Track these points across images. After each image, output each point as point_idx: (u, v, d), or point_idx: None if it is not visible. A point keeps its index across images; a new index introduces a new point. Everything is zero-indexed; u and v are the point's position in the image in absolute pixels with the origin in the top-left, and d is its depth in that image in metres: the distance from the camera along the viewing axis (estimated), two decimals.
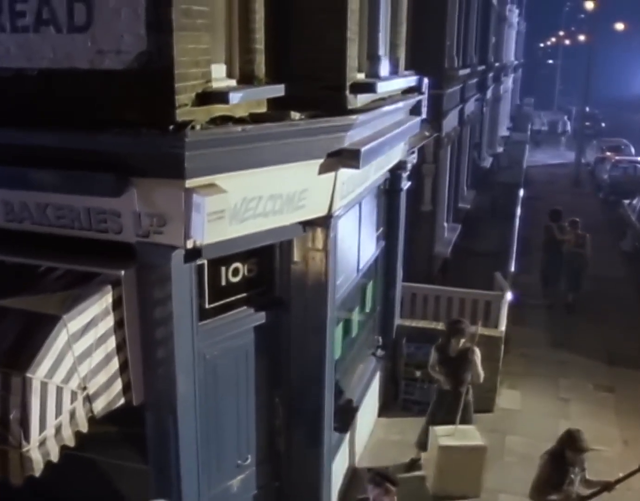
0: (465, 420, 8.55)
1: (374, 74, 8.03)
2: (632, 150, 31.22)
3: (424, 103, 9.40)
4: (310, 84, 6.80)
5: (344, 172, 6.44)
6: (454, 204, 17.70)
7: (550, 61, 75.15)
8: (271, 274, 6.67)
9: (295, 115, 5.84)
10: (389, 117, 7.74)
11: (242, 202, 5.58)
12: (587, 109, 36.78)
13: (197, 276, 5.87)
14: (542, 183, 27.61)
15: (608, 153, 31.01)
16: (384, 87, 7.42)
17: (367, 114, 6.46)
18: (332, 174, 6.25)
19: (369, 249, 9.00)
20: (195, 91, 5.31)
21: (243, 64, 6.36)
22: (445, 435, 8.41)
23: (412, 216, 12.02)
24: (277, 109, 6.39)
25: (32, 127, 5.24)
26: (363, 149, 6.15)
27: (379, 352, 10.07)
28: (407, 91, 9.00)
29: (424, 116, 9.49)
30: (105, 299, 5.27)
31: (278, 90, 6.33)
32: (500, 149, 30.64)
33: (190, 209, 5.08)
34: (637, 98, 63.87)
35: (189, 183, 5.07)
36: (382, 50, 8.22)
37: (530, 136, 37.51)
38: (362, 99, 7.20)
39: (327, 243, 6.54)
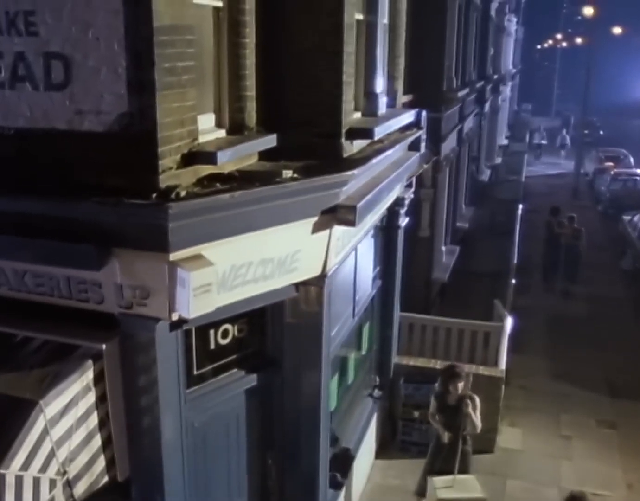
0: (463, 469, 8.23)
1: (371, 112, 7.72)
2: (632, 160, 30.92)
3: (423, 137, 9.09)
4: (304, 130, 6.51)
5: (339, 228, 6.13)
6: (452, 224, 17.39)
7: (547, 63, 74.89)
8: (263, 333, 6.36)
9: (287, 172, 5.52)
10: (386, 158, 7.43)
11: (231, 269, 5.28)
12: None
13: (184, 342, 5.56)
14: (540, 195, 27.29)
15: (607, 163, 30.79)
16: (382, 131, 7.10)
17: (363, 165, 6.13)
18: (327, 231, 5.94)
19: (366, 291, 8.69)
20: (180, 151, 5.01)
21: (233, 112, 6.05)
22: (444, 487, 8.09)
23: (409, 242, 11.70)
24: (269, 157, 6.11)
25: (7, 192, 4.93)
26: (359, 205, 5.84)
27: (376, 392, 9.76)
28: (406, 127, 8.69)
29: (422, 150, 9.18)
30: (86, 376, 4.97)
31: (269, 141, 6.03)
32: (498, 160, 30.30)
33: (175, 283, 4.78)
34: (636, 103, 63.53)
35: (174, 256, 4.77)
36: (380, 86, 7.90)
37: (529, 147, 37.06)
38: (359, 142, 6.93)
39: (322, 301, 6.23)
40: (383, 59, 8.08)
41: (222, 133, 5.95)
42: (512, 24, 34.71)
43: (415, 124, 8.90)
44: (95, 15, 4.64)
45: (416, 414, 9.77)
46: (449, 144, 14.62)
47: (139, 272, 4.88)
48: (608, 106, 58.11)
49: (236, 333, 6.09)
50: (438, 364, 10.04)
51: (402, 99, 9.68)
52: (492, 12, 23.58)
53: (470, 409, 8.08)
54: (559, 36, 68.56)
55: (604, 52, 60.69)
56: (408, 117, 8.46)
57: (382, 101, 7.89)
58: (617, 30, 65.73)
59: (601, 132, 44.03)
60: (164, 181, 4.81)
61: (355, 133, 6.71)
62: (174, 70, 4.82)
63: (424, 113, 9.13)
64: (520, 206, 20.62)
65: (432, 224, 13.65)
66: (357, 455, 8.61)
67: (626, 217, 21.10)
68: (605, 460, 10.09)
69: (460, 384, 8.24)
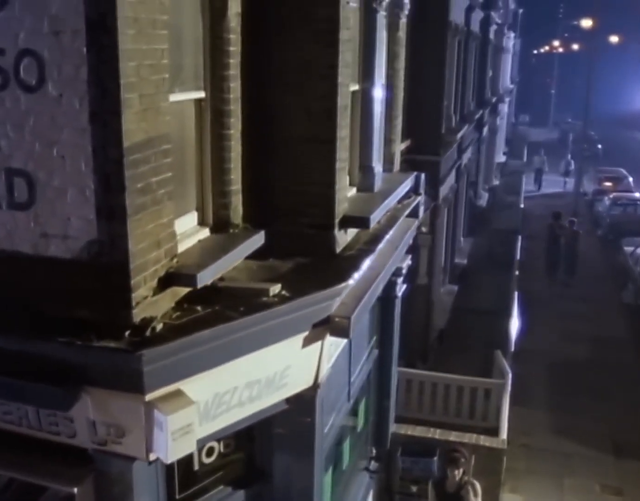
0: None
1: (367, 187, 7.30)
2: (631, 181, 30.50)
3: (422, 202, 8.64)
4: (294, 220, 6.11)
5: None
6: (450, 262, 16.93)
7: (544, 73, 74.63)
8: (251, 446, 5.89)
9: (275, 289, 5.05)
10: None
11: (214, 398, 4.82)
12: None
13: (164, 469, 5.09)
14: (539, 218, 26.82)
15: (606, 183, 30.39)
16: (379, 215, 6.66)
17: (357, 270, 5.68)
18: (318, 343, 5.48)
19: (362, 369, 8.22)
20: (157, 275, 4.55)
21: (217, 209, 5.61)
22: None
23: (406, 289, 11.26)
24: (257, 250, 5.64)
25: None
26: (354, 316, 5.38)
27: (373, 465, 9.30)
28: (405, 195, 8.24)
29: (421, 215, 8.73)
30: None
31: (256, 241, 5.58)
32: (496, 182, 29.85)
33: (152, 425, 4.33)
34: (634, 114, 63.10)
35: (150, 396, 4.31)
36: (376, 159, 7.46)
37: (527, 164, 36.31)
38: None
39: (314, 410, 5.77)
40: (380, 129, 7.65)
41: (205, 232, 5.50)
42: (510, 40, 34.33)
43: (414, 190, 8.45)
44: (59, 132, 4.18)
45: (414, 489, 9.31)
46: (447, 185, 14.19)
47: (113, 410, 4.43)
48: (605, 117, 57.74)
49: (222, 450, 5.63)
50: (437, 434, 9.60)
51: (400, 146, 9.24)
52: (491, 35, 23.16)
53: (471, 497, 7.65)
54: (555, 43, 68.33)
55: (601, 61, 60.35)
56: (406, 185, 8.02)
57: (379, 174, 7.46)
58: (614, 39, 65.54)
59: (599, 146, 43.59)
60: (139, 314, 4.35)
61: (349, 222, 6.29)
62: (149, 188, 4.36)
63: (422, 176, 8.68)
64: (519, 238, 20.20)
65: (430, 272, 13.20)
66: None
67: (628, 249, 20.63)
68: None
69: (460, 471, 7.82)
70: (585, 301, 18.62)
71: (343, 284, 5.31)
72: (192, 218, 5.45)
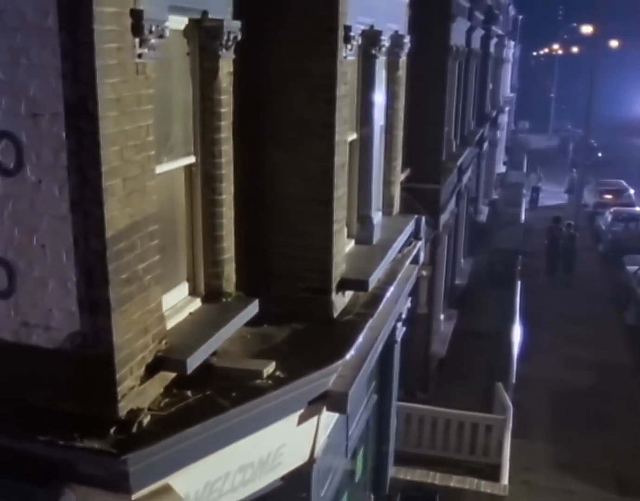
0: None
1: (365, 239, 7.07)
2: (632, 193, 30.24)
3: (422, 247, 8.40)
4: (290, 284, 5.90)
5: None
6: (451, 287, 16.68)
7: (544, 77, 74.42)
8: None
9: (269, 368, 4.82)
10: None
11: (205, 487, 4.59)
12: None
13: None
14: (539, 232, 26.53)
15: (606, 196, 30.16)
16: (378, 275, 6.42)
17: (355, 342, 5.44)
18: (315, 418, 5.25)
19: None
20: (144, 362, 4.33)
21: (209, 278, 5.38)
22: None
23: (406, 319, 11.03)
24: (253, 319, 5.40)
25: None
26: (351, 391, 5.14)
27: None
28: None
29: (422, 260, 8.50)
30: None
31: (250, 311, 5.33)
32: (495, 196, 29.57)
33: None
34: (634, 120, 62.77)
35: (137, 495, 4.08)
36: (375, 205, 7.23)
37: (527, 174, 35.99)
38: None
39: (310, 485, 5.55)
40: (378, 176, 7.43)
41: (196, 303, 5.26)
42: (510, 50, 34.06)
43: (414, 234, 8.22)
44: (39, 219, 3.96)
45: None
46: (447, 210, 13.95)
47: None
48: (605, 123, 57.23)
49: None
50: (437, 479, 9.37)
51: (400, 177, 8.98)
52: (491, 49, 22.91)
53: None
54: (555, 46, 68.15)
55: (600, 66, 60.03)
56: (407, 232, 7.78)
57: (378, 224, 7.22)
58: (614, 43, 65.25)
59: (599, 155, 43.31)
60: (125, 407, 4.13)
61: (347, 285, 6.06)
62: (134, 277, 4.14)
63: (423, 220, 8.44)
64: (520, 258, 19.98)
65: (430, 301, 12.97)
66: None
67: (630, 268, 20.35)
68: None
69: None
70: (587, 323, 18.35)
71: (340, 362, 5.08)
72: (182, 289, 5.21)
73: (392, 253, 7.02)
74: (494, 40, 23.36)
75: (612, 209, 26.58)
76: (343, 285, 5.97)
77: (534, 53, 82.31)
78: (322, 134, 5.63)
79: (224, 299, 5.36)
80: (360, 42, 6.17)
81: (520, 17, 47.02)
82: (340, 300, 5.99)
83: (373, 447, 8.99)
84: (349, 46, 5.78)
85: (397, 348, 8.73)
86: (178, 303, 5.09)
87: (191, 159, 5.11)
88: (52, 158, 3.85)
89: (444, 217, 13.39)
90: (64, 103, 3.76)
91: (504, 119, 33.77)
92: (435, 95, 12.28)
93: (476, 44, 17.80)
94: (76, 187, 3.83)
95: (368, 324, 5.79)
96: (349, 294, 6.22)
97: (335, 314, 5.88)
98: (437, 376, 13.97)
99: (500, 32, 25.89)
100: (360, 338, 5.54)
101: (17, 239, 4.03)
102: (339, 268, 5.96)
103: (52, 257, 3.98)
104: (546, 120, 59.26)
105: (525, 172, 35.78)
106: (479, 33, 18.00)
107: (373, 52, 6.91)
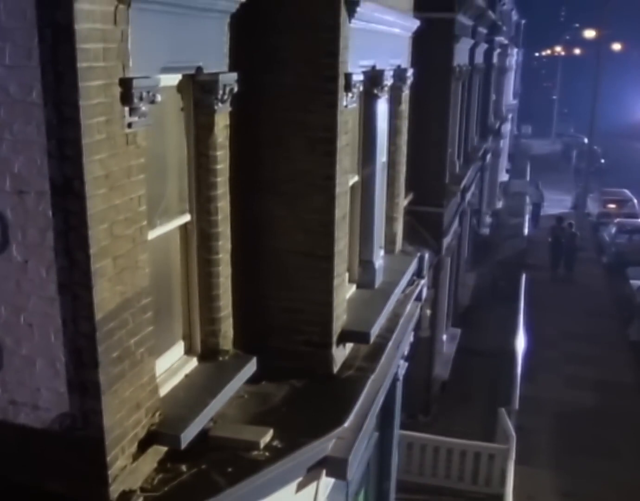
0: None
1: (367, 284, 6.91)
2: (636, 203, 30.01)
3: (425, 285, 8.24)
4: (290, 338, 5.76)
5: None
6: (454, 305, 16.49)
7: (546, 79, 74.23)
8: None
9: (267, 437, 4.67)
10: None
11: None
12: (586, 141, 35.36)
13: None
14: (543, 242, 26.38)
15: (610, 205, 30.00)
16: (380, 324, 6.26)
17: (357, 403, 5.28)
18: (314, 483, 5.09)
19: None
20: (137, 438, 4.18)
21: (205, 336, 5.22)
22: None
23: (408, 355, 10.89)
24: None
25: None
26: (351, 457, 4.99)
27: None
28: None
29: (424, 297, 8.34)
30: None
31: (248, 370, 5.19)
32: (499, 205, 29.38)
33: None
34: (637, 124, 62.47)
35: None
36: (377, 248, 7.07)
37: (529, 181, 35.70)
38: None
39: None
40: (380, 217, 7.27)
41: (193, 363, 5.11)
42: (513, 57, 33.83)
43: (417, 273, 8.06)
44: (26, 299, 3.81)
45: None
46: (450, 232, 13.76)
47: None
48: (607, 127, 56.86)
49: None
50: None
51: (403, 202, 8.80)
52: (494, 60, 22.71)
53: None
54: (557, 48, 67.97)
55: (603, 69, 59.70)
56: (409, 273, 7.62)
57: (380, 268, 7.05)
58: (616, 46, 64.94)
59: (602, 161, 43.03)
60: (117, 489, 4.00)
61: (348, 337, 5.91)
62: (126, 353, 3.99)
63: (426, 256, 8.27)
64: (524, 273, 19.80)
65: (433, 324, 12.80)
66: None
67: (635, 282, 20.16)
68: None
69: None
70: (590, 340, 18.14)
71: (339, 429, 4.92)
72: (178, 349, 5.06)
73: (394, 298, 6.86)
74: (497, 51, 23.16)
75: (616, 221, 26.40)
76: (344, 338, 5.83)
77: (536, 54, 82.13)
78: (322, 187, 5.48)
79: (220, 358, 5.21)
80: (361, 88, 6.00)
81: (523, 21, 46.84)
82: (341, 353, 5.84)
83: (374, 485, 8.83)
84: (350, 94, 5.62)
85: (400, 386, 8.56)
86: (173, 365, 4.95)
87: (186, 218, 4.96)
88: (38, 237, 3.69)
89: (447, 240, 13.21)
90: (50, 182, 3.61)
91: (506, 127, 33.54)
92: (438, 119, 12.09)
93: (479, 58, 17.60)
94: (64, 269, 3.68)
95: (369, 381, 5.63)
96: (350, 344, 6.06)
97: (336, 369, 5.73)
98: (439, 398, 13.80)
99: (503, 40, 25.68)
100: (361, 399, 5.38)
101: (3, 316, 3.88)
102: (340, 320, 5.81)
103: (39, 336, 3.83)
104: (549, 124, 58.85)
105: (528, 180, 35.49)
106: (482, 48, 17.80)
107: (375, 91, 6.74)
